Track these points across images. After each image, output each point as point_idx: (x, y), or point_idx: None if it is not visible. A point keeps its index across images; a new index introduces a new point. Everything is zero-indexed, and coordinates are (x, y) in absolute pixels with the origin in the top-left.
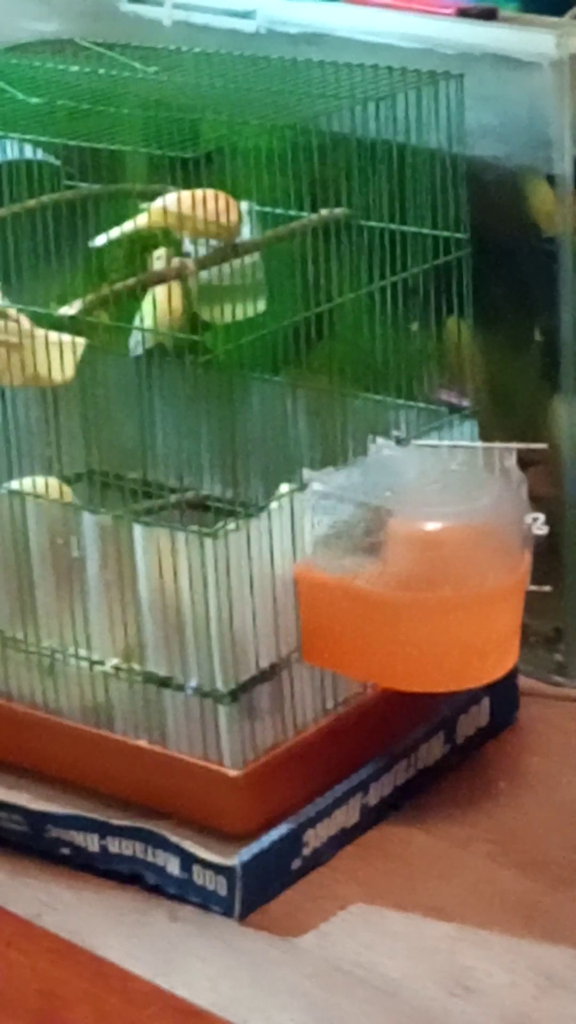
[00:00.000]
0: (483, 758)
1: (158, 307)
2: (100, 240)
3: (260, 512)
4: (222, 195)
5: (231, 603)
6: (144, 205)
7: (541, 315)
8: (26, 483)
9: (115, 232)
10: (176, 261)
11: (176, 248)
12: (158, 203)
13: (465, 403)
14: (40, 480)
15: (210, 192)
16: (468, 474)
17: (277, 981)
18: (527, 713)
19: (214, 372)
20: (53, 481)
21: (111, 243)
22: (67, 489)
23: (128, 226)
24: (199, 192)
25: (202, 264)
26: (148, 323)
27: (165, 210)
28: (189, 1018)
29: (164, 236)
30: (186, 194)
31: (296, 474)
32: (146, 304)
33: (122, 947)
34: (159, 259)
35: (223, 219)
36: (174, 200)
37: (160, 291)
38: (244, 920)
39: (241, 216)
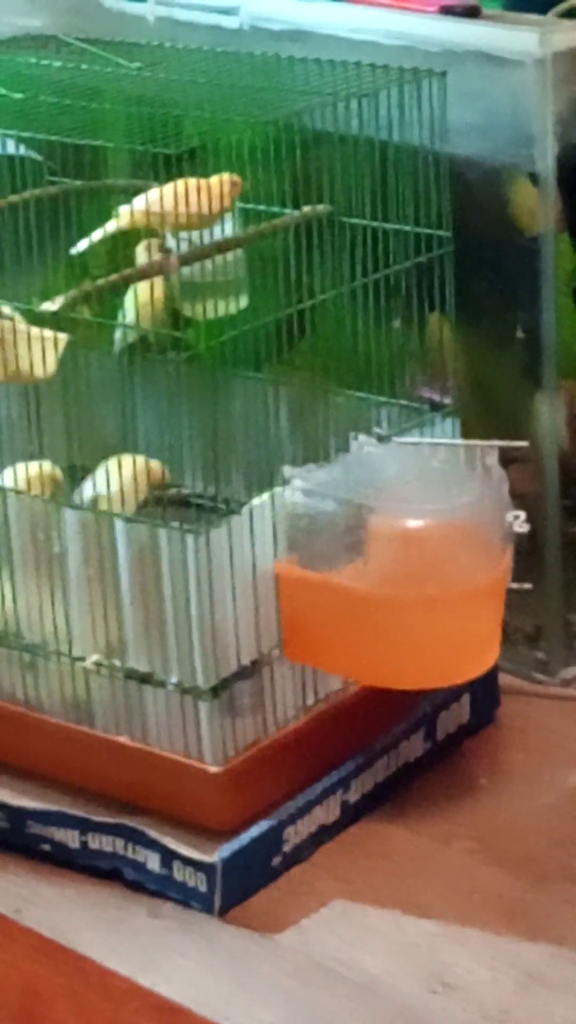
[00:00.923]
0: (464, 755)
1: (139, 302)
2: (82, 245)
3: (242, 509)
4: (194, 183)
5: (212, 599)
6: (121, 208)
7: (523, 312)
8: (19, 468)
9: (95, 235)
10: (158, 257)
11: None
12: (135, 205)
13: (447, 400)
14: (33, 465)
15: (188, 183)
16: (449, 471)
17: (257, 978)
18: (508, 710)
19: (196, 368)
20: (46, 465)
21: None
22: (58, 471)
23: (108, 227)
24: (174, 186)
25: (184, 260)
26: (130, 318)
27: (146, 211)
28: (169, 1015)
29: (147, 231)
30: (165, 190)
31: (278, 471)
32: (127, 299)
33: (102, 943)
34: (144, 251)
35: (202, 209)
36: (151, 200)
37: (141, 286)
38: (224, 916)
39: (224, 197)
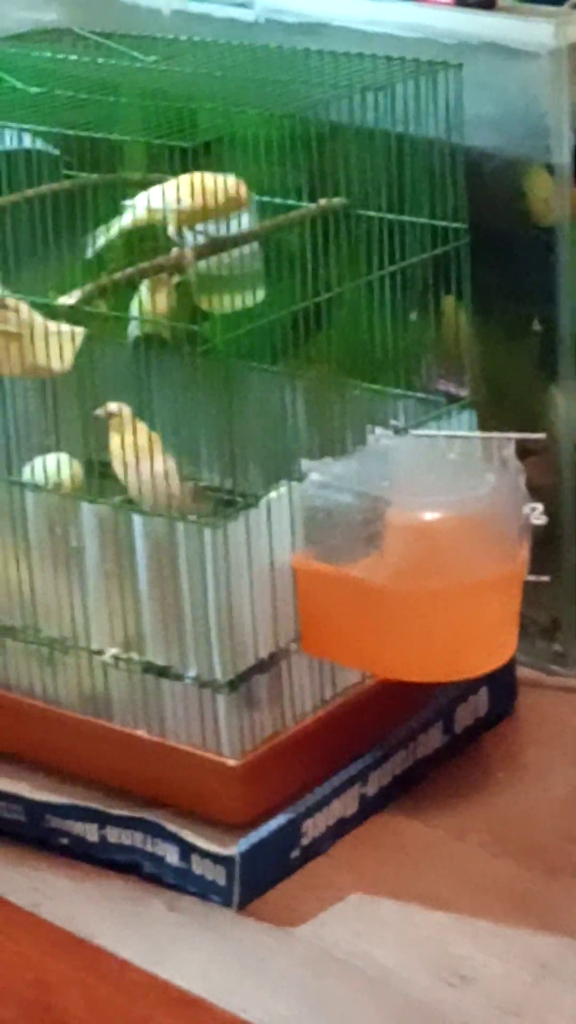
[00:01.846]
0: (481, 748)
1: (144, 297)
2: (98, 242)
3: (259, 502)
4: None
5: (230, 593)
6: (128, 202)
7: (539, 305)
8: (37, 463)
9: (111, 230)
10: (174, 251)
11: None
12: (149, 200)
13: (463, 393)
14: (52, 458)
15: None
16: (466, 464)
17: (273, 970)
18: (525, 703)
19: (213, 362)
20: (64, 457)
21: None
22: (77, 465)
23: (124, 222)
24: (184, 181)
25: (200, 254)
26: (136, 312)
27: (149, 209)
28: (185, 1007)
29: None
30: (176, 184)
31: (294, 464)
32: (138, 294)
33: (119, 936)
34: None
35: (216, 200)
36: (162, 194)
37: (147, 281)
38: (242, 910)
39: (239, 187)
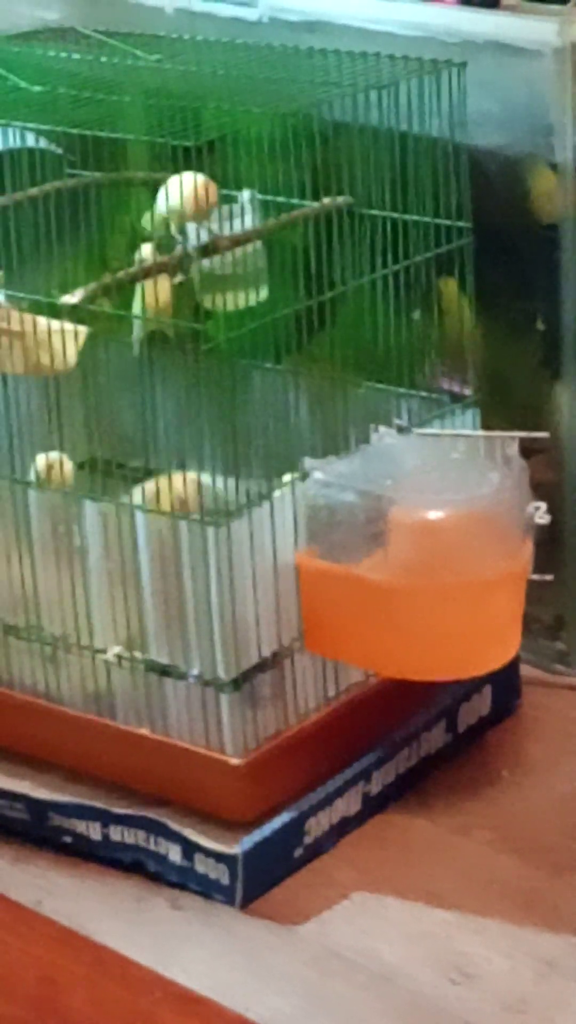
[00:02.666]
0: (485, 746)
1: (145, 296)
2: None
3: (262, 501)
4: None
5: (233, 591)
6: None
7: (543, 303)
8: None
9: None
10: (178, 249)
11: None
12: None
13: (467, 392)
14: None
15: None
16: (470, 463)
17: (276, 968)
18: (529, 701)
19: (216, 360)
20: (54, 455)
21: (113, 231)
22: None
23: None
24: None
25: (203, 253)
26: (137, 310)
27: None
28: (189, 1004)
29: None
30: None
31: (298, 462)
32: (138, 293)
33: (123, 935)
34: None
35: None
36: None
37: (147, 281)
38: (245, 908)
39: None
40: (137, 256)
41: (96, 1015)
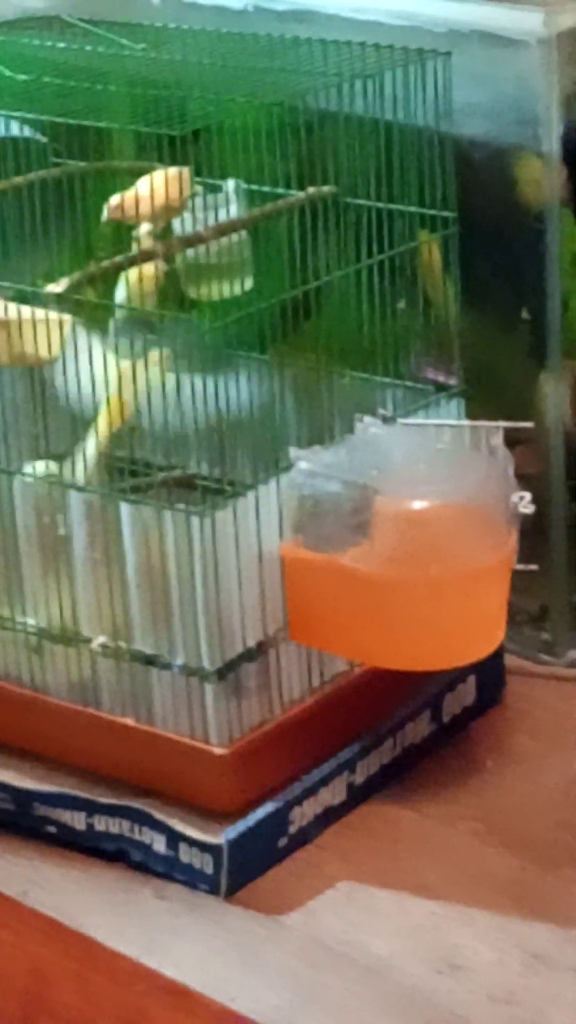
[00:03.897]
0: (469, 737)
1: (129, 285)
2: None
3: (247, 491)
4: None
5: (218, 581)
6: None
7: (528, 294)
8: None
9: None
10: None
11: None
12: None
13: (452, 382)
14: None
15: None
16: (455, 453)
17: (263, 959)
18: (513, 691)
19: (200, 350)
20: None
21: (98, 221)
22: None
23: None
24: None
25: (187, 243)
26: (121, 298)
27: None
28: (175, 997)
29: None
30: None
31: (283, 453)
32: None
33: (108, 925)
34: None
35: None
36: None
37: (131, 271)
38: (230, 898)
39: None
40: (135, 234)
41: (85, 1006)
